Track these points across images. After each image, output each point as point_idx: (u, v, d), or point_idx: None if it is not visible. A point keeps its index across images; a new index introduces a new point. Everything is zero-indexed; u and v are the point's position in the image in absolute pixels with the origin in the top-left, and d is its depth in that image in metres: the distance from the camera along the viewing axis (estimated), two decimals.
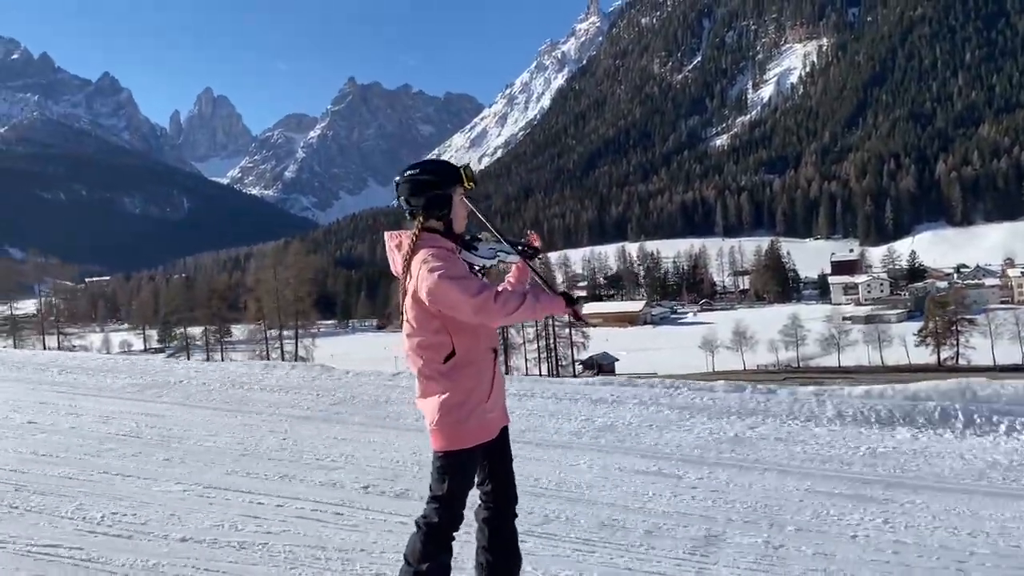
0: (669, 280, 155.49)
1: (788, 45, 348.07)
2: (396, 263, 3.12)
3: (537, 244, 3.31)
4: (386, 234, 3.17)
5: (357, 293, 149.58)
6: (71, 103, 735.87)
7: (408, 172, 3.07)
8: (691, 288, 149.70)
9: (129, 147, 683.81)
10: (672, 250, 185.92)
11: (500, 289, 2.97)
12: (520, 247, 3.21)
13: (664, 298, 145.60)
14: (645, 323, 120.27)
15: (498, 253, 3.14)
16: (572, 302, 2.98)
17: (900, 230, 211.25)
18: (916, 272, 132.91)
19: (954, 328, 65.82)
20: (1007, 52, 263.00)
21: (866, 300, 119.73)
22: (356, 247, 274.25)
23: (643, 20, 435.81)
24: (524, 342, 60.26)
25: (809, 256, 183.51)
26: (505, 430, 3.21)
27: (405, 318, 3.07)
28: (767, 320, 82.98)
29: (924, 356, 66.21)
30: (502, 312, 2.85)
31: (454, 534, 3.05)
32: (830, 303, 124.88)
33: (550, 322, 61.37)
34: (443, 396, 3.00)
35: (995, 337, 63.55)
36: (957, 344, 65.61)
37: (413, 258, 2.97)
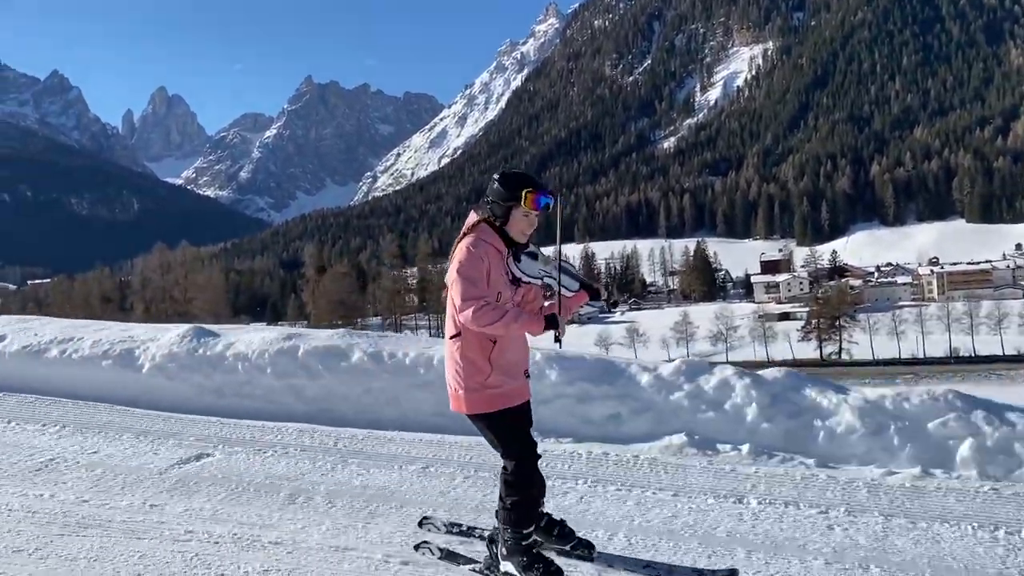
0: (603, 280, 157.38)
1: (735, 48, 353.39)
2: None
3: (602, 293, 3.87)
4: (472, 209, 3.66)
5: (291, 294, 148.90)
6: (18, 101, 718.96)
7: (496, 174, 3.59)
8: (623, 288, 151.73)
9: (78, 147, 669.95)
10: (614, 251, 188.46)
11: (487, 302, 3.32)
12: (583, 284, 3.61)
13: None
14: (571, 322, 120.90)
15: (545, 276, 3.45)
16: (554, 325, 3.39)
17: (835, 230, 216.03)
18: (836, 271, 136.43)
19: (837, 324, 68.05)
20: (941, 57, 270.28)
21: (786, 298, 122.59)
22: (304, 247, 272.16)
23: (596, 22, 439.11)
24: None
25: (746, 256, 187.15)
26: (526, 404, 3.66)
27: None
28: (673, 318, 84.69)
29: (808, 351, 68.49)
30: (476, 323, 3.29)
31: (534, 466, 3.58)
32: (754, 302, 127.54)
33: None
34: (451, 367, 3.53)
35: (874, 333, 65.97)
36: (840, 339, 67.88)
37: (461, 240, 3.47)
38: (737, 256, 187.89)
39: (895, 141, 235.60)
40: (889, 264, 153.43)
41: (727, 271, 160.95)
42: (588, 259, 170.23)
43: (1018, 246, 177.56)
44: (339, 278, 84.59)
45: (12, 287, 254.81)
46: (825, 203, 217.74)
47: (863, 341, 67.68)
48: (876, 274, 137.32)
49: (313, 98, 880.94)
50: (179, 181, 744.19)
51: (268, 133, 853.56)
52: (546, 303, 3.70)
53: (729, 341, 69.02)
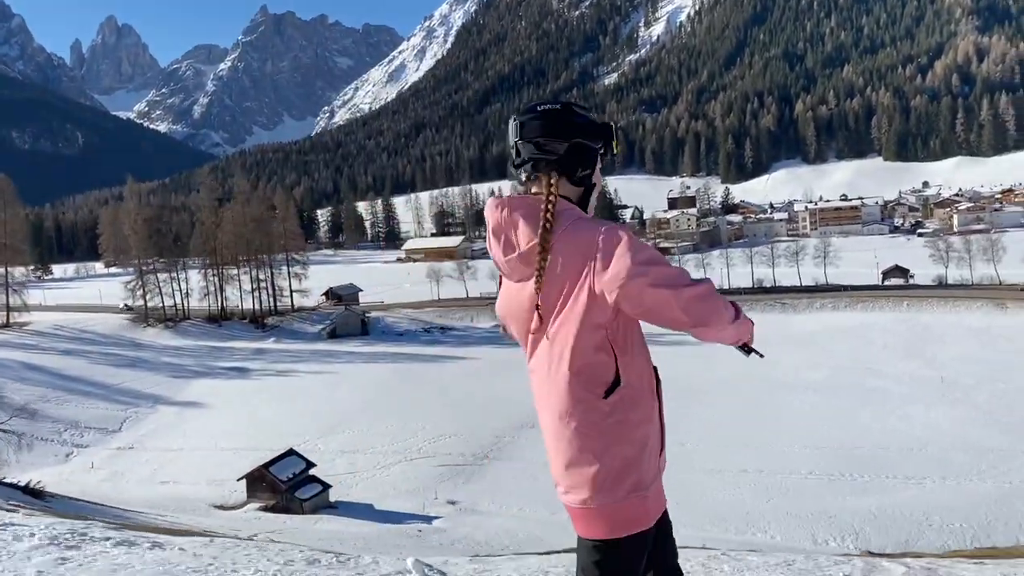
0: None
1: None
2: (513, 242, 1.96)
3: None
4: (491, 201, 2.06)
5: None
6: None
7: (546, 106, 1.97)
8: None
9: (22, 78, 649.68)
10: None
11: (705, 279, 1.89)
12: None
13: None
14: (463, 257, 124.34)
15: None
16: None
17: (759, 168, 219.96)
18: (730, 208, 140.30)
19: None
20: None
21: (674, 234, 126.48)
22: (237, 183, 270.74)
23: None
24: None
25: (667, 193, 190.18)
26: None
27: (542, 334, 1.93)
28: None
29: None
30: (698, 311, 1.81)
31: None
32: (646, 238, 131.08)
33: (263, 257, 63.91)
34: (606, 455, 1.88)
35: (684, 265, 70.30)
36: None
37: (583, 239, 1.88)
38: (663, 193, 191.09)
39: (823, 79, 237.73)
40: (797, 200, 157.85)
41: (635, 208, 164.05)
42: (496, 196, 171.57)
43: (925, 184, 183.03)
44: (239, 215, 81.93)
45: None
46: (749, 141, 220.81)
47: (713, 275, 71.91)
48: (769, 210, 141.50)
49: (268, 29, 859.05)
50: (131, 115, 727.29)
51: (222, 66, 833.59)
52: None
53: None
